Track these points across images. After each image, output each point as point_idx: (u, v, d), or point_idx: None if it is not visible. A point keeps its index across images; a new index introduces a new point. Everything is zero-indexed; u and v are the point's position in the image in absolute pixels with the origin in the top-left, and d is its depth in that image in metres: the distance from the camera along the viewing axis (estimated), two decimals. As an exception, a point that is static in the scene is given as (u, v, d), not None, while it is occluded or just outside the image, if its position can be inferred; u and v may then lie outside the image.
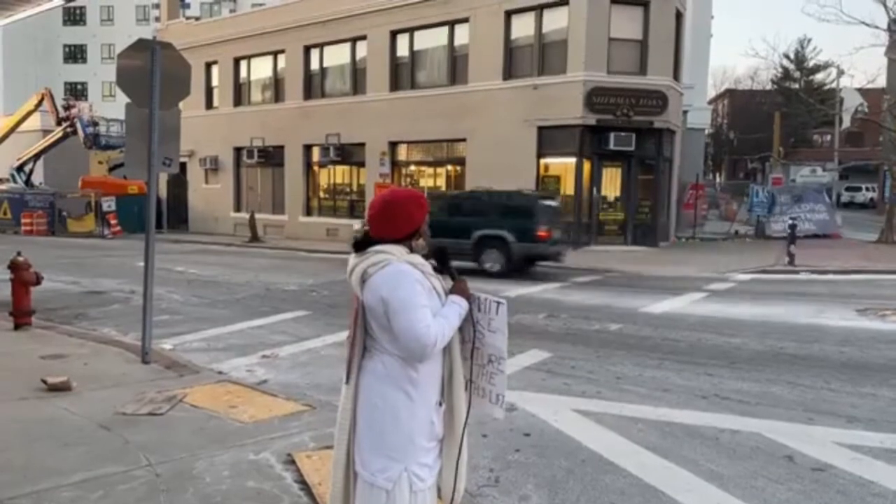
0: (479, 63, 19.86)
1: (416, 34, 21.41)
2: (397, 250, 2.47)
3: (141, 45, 6.39)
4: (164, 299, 10.70)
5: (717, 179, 57.33)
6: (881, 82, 34.49)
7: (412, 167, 22.36)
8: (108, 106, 42.32)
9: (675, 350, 7.55)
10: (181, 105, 6.88)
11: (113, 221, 25.87)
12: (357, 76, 22.97)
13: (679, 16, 19.65)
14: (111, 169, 29.98)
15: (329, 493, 2.72)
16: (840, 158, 39.31)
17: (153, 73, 6.23)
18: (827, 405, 5.62)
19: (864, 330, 8.56)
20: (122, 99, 6.46)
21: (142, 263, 6.66)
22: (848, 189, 45.34)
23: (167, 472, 4.05)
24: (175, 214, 28.22)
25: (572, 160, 18.52)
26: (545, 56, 18.82)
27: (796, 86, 51.35)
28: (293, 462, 4.22)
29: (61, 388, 5.57)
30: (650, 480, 4.16)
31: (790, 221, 16.30)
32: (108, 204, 26.11)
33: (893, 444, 4.74)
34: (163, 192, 27.60)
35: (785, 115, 39.41)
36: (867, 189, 45.57)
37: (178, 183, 28.33)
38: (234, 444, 4.52)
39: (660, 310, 10.04)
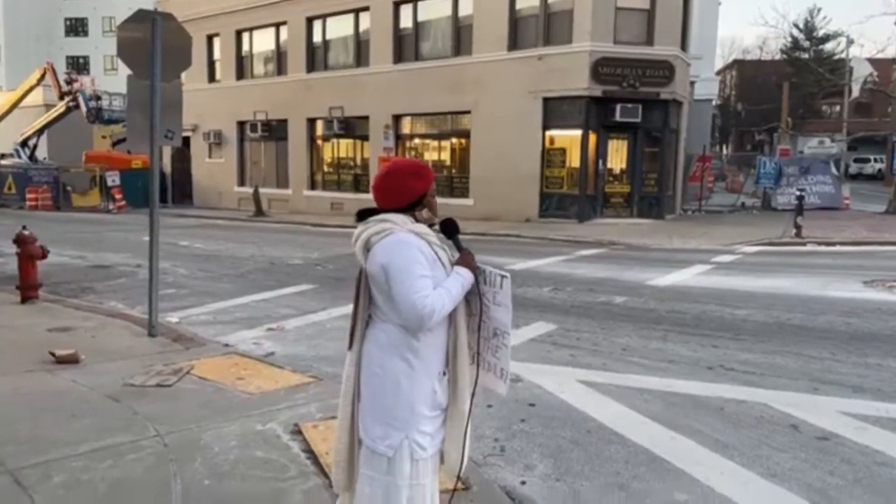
0: (483, 34, 19.60)
1: (420, 4, 21.11)
2: (400, 219, 2.46)
3: (141, 17, 6.32)
4: (170, 273, 10.72)
5: (725, 151, 56.89)
6: (891, 52, 34.02)
7: (416, 140, 22.22)
8: (111, 80, 42.07)
9: (680, 322, 7.54)
10: (183, 77, 6.83)
11: (117, 196, 25.87)
12: (360, 48, 22.72)
13: (687, -16, 19.31)
14: (115, 143, 29.92)
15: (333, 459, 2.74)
16: (849, 129, 38.90)
17: (154, 44, 6.17)
18: (833, 376, 5.62)
19: (871, 301, 8.53)
20: (125, 72, 6.41)
21: (147, 238, 6.66)
22: (856, 160, 44.93)
23: (175, 442, 4.08)
24: (179, 189, 28.19)
25: (578, 132, 18.35)
26: (550, 26, 18.54)
27: (805, 56, 50.61)
28: (300, 432, 4.25)
29: (69, 361, 5.61)
30: (655, 450, 4.18)
31: (797, 193, 16.16)
32: (113, 179, 26.07)
33: (899, 413, 4.74)
34: (167, 167, 27.56)
35: (794, 86, 38.91)
36: (875, 160, 45.15)
37: (182, 157, 28.26)
38: (242, 415, 4.55)
39: (665, 282, 10.01)
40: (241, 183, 26.68)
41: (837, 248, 13.96)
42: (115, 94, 29.09)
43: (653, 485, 3.76)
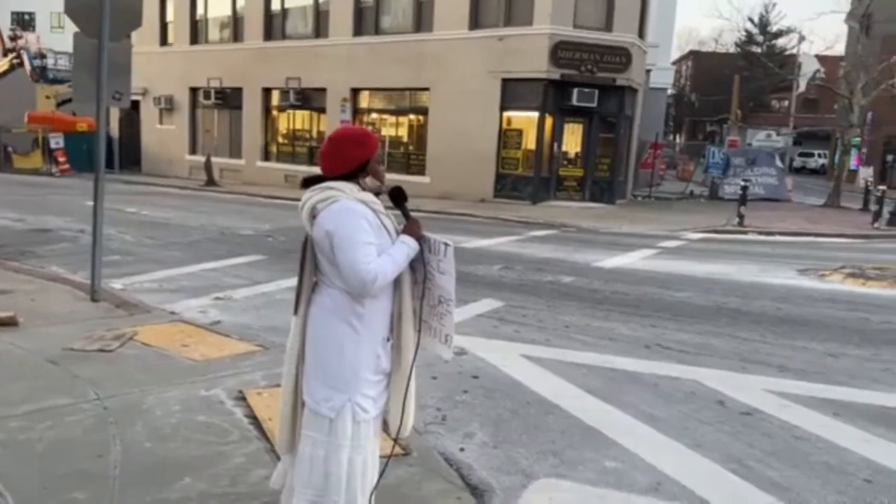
0: (444, 11, 19.49)
1: (381, -23, 20.85)
2: (347, 187, 2.51)
3: (90, -28, 6.12)
4: (115, 239, 10.49)
5: (678, 140, 58.07)
6: (839, 49, 35.14)
7: (374, 115, 22.05)
8: (57, 38, 40.24)
9: (622, 302, 7.78)
10: (133, 39, 6.65)
11: (61, 159, 24.98)
12: (319, 18, 22.32)
13: (647, -28, 19.53)
14: (59, 104, 28.78)
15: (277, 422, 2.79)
16: (795, 124, 40.16)
17: (103, 1, 5.99)
18: (761, 356, 5.91)
19: (803, 288, 8.94)
20: (72, 31, 6.22)
21: (91, 202, 6.51)
22: (801, 155, 46.43)
23: (116, 405, 4.07)
24: (127, 155, 27.32)
25: (535, 114, 18.49)
26: (512, 6, 18.55)
27: (759, 50, 51.85)
28: (244, 399, 4.28)
29: (7, 323, 5.49)
30: (590, 421, 4.36)
31: (742, 184, 16.71)
32: (56, 141, 25.14)
33: (819, 392, 5.04)
34: (114, 132, 26.67)
35: (745, 79, 39.88)
36: (819, 155, 46.75)
37: (131, 122, 27.40)
38: (185, 380, 4.55)
39: (611, 264, 10.28)
40: (193, 151, 26.05)
41: (776, 237, 14.52)
42: (60, 53, 28.01)
43: (585, 453, 3.93)
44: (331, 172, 2.54)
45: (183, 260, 9.35)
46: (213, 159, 23.39)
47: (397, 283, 2.59)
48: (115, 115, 25.48)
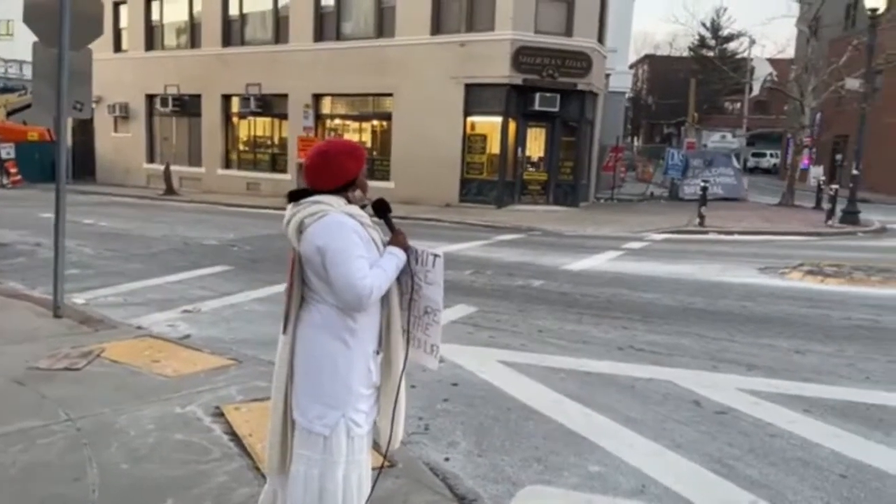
0: (406, 16, 19.49)
1: (342, -18, 20.74)
2: (335, 201, 2.47)
3: (48, -21, 5.95)
4: (75, 252, 10.19)
5: (636, 143, 59.07)
6: (790, 52, 36.24)
7: (337, 121, 21.90)
8: (6, 45, 38.99)
9: (593, 305, 7.87)
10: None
11: (13, 170, 24.19)
12: (279, 24, 22.09)
13: (605, -22, 19.84)
14: (9, 114, 27.87)
15: (264, 442, 2.74)
16: (748, 125, 41.25)
17: (63, 9, 5.83)
18: (730, 355, 6.04)
19: (765, 287, 9.16)
20: (20, 38, 6.06)
21: (46, 214, 6.37)
22: (754, 155, 47.76)
23: (89, 426, 3.95)
24: (81, 164, 26.55)
25: (498, 119, 18.61)
26: (474, 12, 18.66)
27: (711, 54, 53.13)
28: (222, 415, 4.20)
29: (-34, 344, 5.28)
30: (571, 426, 4.39)
31: (702, 184, 17.08)
32: (7, 151, 24.33)
33: (788, 389, 5.17)
34: (67, 141, 25.92)
35: (700, 83, 40.80)
36: (771, 155, 48.13)
37: (85, 130, 26.68)
38: (159, 398, 4.44)
39: (579, 267, 10.39)
40: (151, 159, 25.50)
41: (736, 237, 14.87)
42: (10, 62, 27.11)
43: (568, 458, 3.95)
44: (320, 186, 2.49)
45: (146, 272, 9.14)
46: (173, 167, 22.94)
47: (385, 295, 2.57)
48: (67, 123, 24.74)
